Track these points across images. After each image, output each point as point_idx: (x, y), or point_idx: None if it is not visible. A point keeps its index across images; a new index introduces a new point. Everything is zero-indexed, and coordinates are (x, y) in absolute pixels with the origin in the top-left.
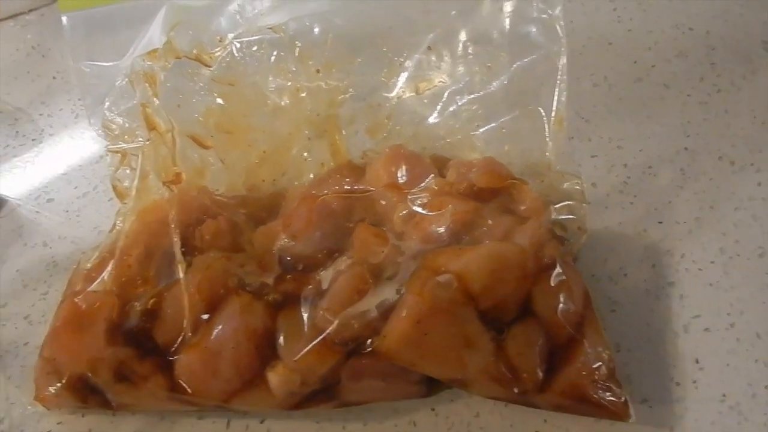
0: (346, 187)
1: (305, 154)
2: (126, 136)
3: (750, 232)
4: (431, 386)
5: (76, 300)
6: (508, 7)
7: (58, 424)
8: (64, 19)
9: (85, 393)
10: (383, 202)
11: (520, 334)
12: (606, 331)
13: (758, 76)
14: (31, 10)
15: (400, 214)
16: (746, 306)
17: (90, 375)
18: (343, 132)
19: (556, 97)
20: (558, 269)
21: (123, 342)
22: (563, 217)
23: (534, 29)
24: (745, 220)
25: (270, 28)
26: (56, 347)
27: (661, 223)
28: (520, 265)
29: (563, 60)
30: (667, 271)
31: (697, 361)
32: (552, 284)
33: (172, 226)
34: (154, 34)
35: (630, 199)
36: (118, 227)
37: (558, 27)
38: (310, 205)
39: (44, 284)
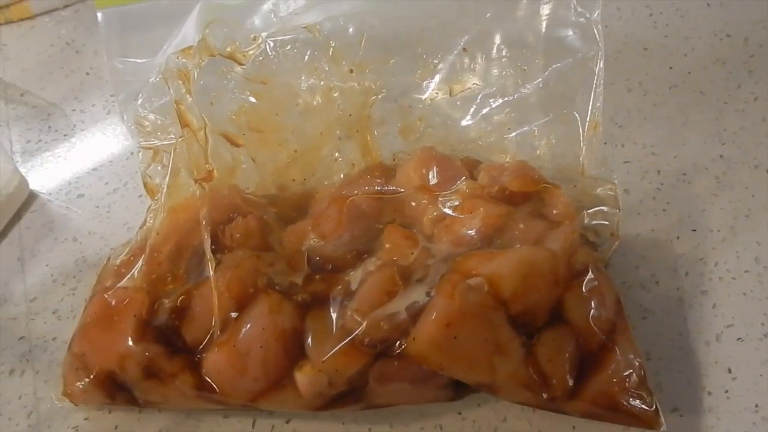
0: (376, 188)
1: (336, 154)
2: (158, 133)
3: None
4: (459, 390)
5: (106, 296)
6: (545, 10)
7: (85, 419)
8: (99, 15)
9: (113, 389)
10: (413, 204)
11: (550, 340)
12: (637, 338)
13: None
14: (66, 6)
15: (431, 216)
16: None
17: (118, 371)
18: (375, 133)
19: (591, 102)
20: (590, 275)
21: (152, 339)
22: (596, 222)
23: (571, 33)
24: None
25: (304, 28)
26: (85, 343)
27: (694, 230)
28: (551, 270)
29: (600, 64)
30: (700, 279)
31: (729, 371)
32: (584, 290)
33: (203, 223)
34: (189, 32)
35: (663, 206)
36: (148, 224)
37: (595, 31)
38: (339, 206)
39: (73, 279)
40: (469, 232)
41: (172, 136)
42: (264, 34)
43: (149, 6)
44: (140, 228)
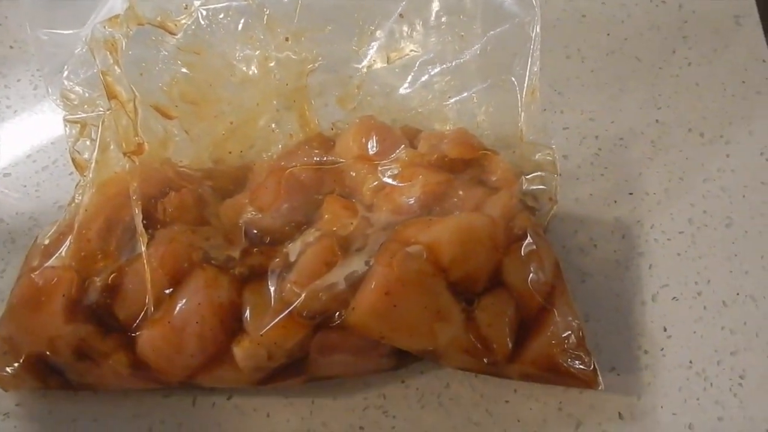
0: (315, 159)
1: (273, 125)
2: (86, 106)
3: (718, 202)
4: (401, 359)
5: (33, 276)
6: None
7: (16, 405)
8: None
9: (45, 373)
10: (353, 174)
11: (490, 304)
12: (576, 301)
13: (729, 50)
14: None
15: (371, 186)
16: (713, 275)
17: (49, 354)
18: (313, 103)
19: (528, 68)
20: (528, 240)
21: (83, 319)
22: (534, 188)
23: None
24: (714, 191)
25: None
26: (13, 326)
27: (631, 194)
28: (490, 235)
29: (537, 29)
30: (637, 241)
31: (665, 330)
32: (522, 255)
33: (134, 198)
34: (117, 1)
35: (601, 171)
36: (77, 201)
37: None
38: (278, 178)
39: (1, 262)
40: (409, 200)
41: (101, 109)
42: (197, 3)
43: None
44: (68, 205)
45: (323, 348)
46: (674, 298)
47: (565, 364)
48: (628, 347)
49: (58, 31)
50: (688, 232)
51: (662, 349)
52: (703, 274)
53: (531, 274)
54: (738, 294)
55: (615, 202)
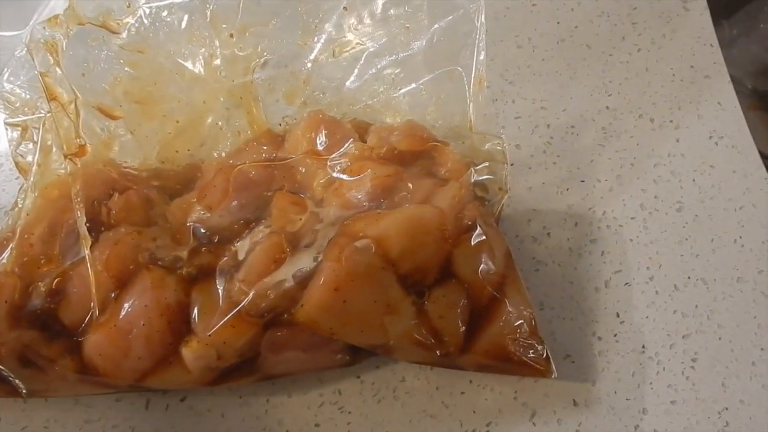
0: (264, 155)
1: (221, 123)
2: (26, 108)
3: (669, 187)
4: (355, 354)
5: None
6: None
7: None
8: None
9: None
10: (303, 170)
11: (441, 296)
12: (530, 290)
13: (678, 35)
14: None
15: (321, 181)
16: (664, 259)
17: None
18: (261, 99)
19: (475, 57)
20: (478, 230)
21: (27, 325)
22: (484, 178)
23: None
24: (665, 176)
25: None
26: None
27: (583, 182)
28: (439, 227)
29: (482, 19)
30: (589, 228)
31: (618, 315)
32: (472, 245)
33: (76, 201)
34: (58, 3)
35: (553, 159)
36: (19, 205)
37: None
38: (226, 175)
39: None
40: (358, 194)
41: (42, 111)
42: (141, 1)
43: None
44: (11, 210)
45: (274, 346)
46: (627, 283)
47: (518, 354)
48: (582, 334)
49: (0, 33)
50: (639, 218)
51: (615, 335)
52: (654, 259)
53: (481, 265)
54: (689, 278)
55: (567, 189)
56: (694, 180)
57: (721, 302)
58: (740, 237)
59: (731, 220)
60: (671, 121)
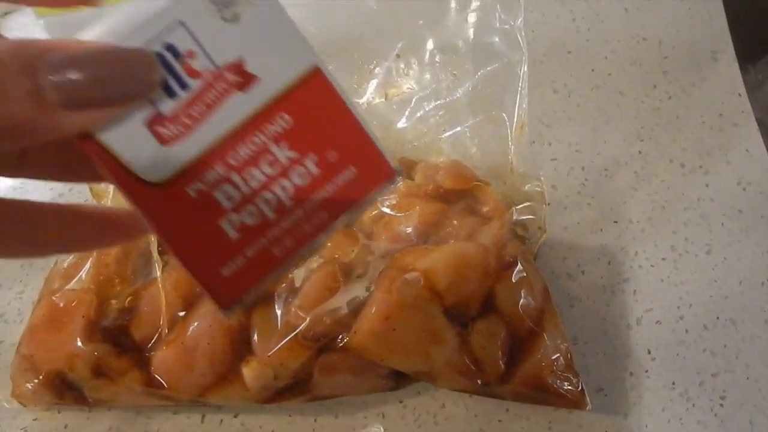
0: None
1: None
2: None
3: (698, 230)
4: (399, 380)
5: (54, 298)
6: (472, 18)
7: (34, 420)
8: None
9: (62, 389)
10: None
11: (483, 328)
12: (565, 325)
13: (707, 84)
14: None
15: (371, 215)
16: (694, 299)
17: (67, 371)
18: None
19: (517, 103)
20: (519, 267)
21: (101, 339)
22: (524, 217)
23: (497, 39)
24: (694, 219)
25: None
26: (34, 344)
27: (616, 222)
28: (482, 263)
29: (524, 68)
30: (622, 267)
31: (649, 352)
32: (513, 281)
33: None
34: None
35: (588, 200)
36: None
37: (519, 37)
38: None
39: (20, 283)
40: (406, 229)
41: None
42: None
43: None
44: None
45: (326, 369)
46: (658, 321)
47: (554, 385)
48: (615, 369)
49: None
50: (670, 259)
51: (647, 371)
52: (685, 299)
53: (521, 300)
54: (718, 318)
55: (601, 229)
56: (723, 224)
57: (750, 342)
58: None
59: (759, 263)
60: (701, 167)
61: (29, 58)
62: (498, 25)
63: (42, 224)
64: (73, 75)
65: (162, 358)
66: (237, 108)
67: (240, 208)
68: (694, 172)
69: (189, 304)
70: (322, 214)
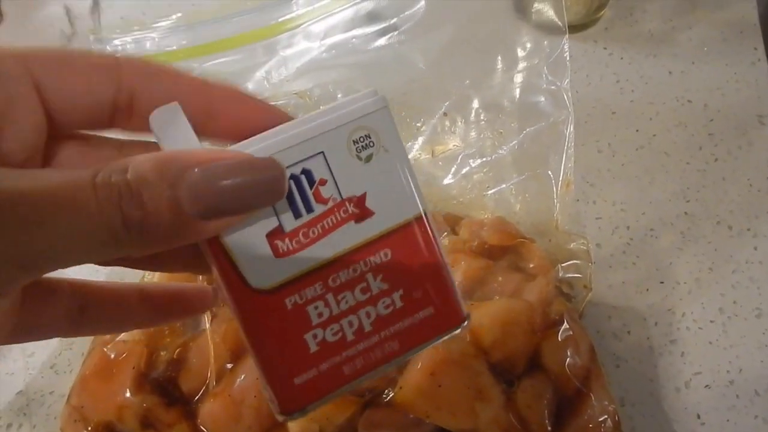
0: None
1: None
2: None
3: (747, 293)
4: None
5: (105, 349)
6: (518, 78)
7: None
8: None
9: None
10: None
11: (529, 386)
12: (611, 385)
13: (753, 147)
14: None
15: None
16: (745, 364)
17: (116, 422)
18: None
19: (563, 162)
20: (565, 325)
21: (150, 390)
22: (570, 275)
23: (543, 99)
24: (743, 282)
25: (295, 94)
26: (84, 395)
27: (662, 283)
28: (528, 320)
29: (570, 128)
30: (669, 329)
31: (698, 417)
32: (559, 339)
33: (200, 278)
34: None
35: (633, 260)
36: (147, 278)
37: (565, 97)
38: None
39: None
40: None
41: None
42: None
43: None
44: (139, 281)
45: (371, 424)
46: (707, 385)
47: None
48: None
49: None
50: (719, 321)
51: None
52: (734, 363)
53: (568, 358)
54: None
55: (647, 290)
56: None
57: None
58: None
59: None
60: (749, 229)
61: (172, 175)
62: (545, 85)
63: (127, 305)
64: (211, 190)
65: (209, 411)
66: (349, 236)
67: (325, 325)
68: (741, 235)
69: (236, 356)
70: (395, 345)
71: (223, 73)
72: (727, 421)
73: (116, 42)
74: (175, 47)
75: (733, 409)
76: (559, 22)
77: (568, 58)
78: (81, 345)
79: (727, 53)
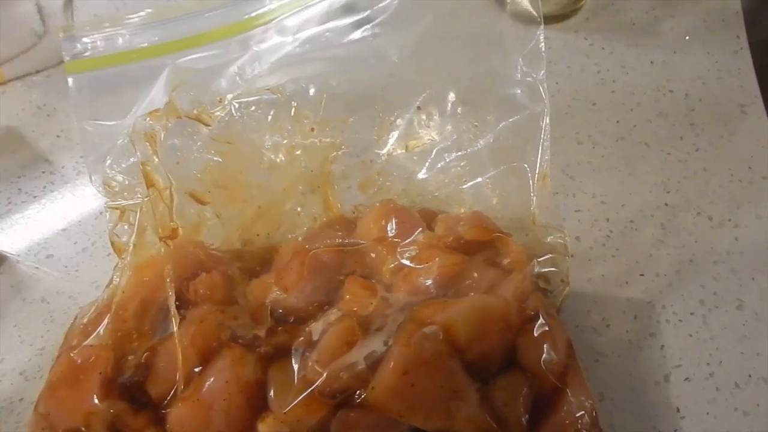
0: (337, 240)
1: (299, 208)
2: (125, 193)
3: (728, 284)
4: None
5: (72, 354)
6: (494, 70)
7: None
8: (70, 80)
9: None
10: (373, 255)
11: (505, 384)
12: (590, 380)
13: (735, 137)
14: (38, 71)
15: (389, 267)
16: (725, 356)
17: (84, 429)
18: (336, 187)
19: (539, 155)
20: (541, 320)
21: (117, 396)
22: (546, 269)
23: (519, 91)
24: (724, 274)
25: (268, 89)
26: (51, 402)
27: (642, 275)
28: (504, 317)
29: (546, 120)
30: (649, 322)
31: (678, 410)
32: (535, 335)
33: (168, 280)
34: (157, 95)
35: (612, 253)
36: (115, 282)
37: (541, 89)
38: (302, 259)
39: (41, 339)
40: (426, 281)
41: (139, 196)
42: (230, 96)
43: (119, 70)
44: (107, 286)
45: (343, 426)
46: (687, 378)
47: None
48: (643, 427)
49: (103, 123)
50: (699, 314)
51: (676, 430)
52: (715, 356)
53: (544, 355)
54: (750, 376)
55: (626, 283)
56: (753, 278)
57: None
58: None
59: None
60: (730, 220)
61: None
62: (519, 77)
63: None
64: None
65: (177, 416)
66: None
67: None
68: (722, 226)
69: (205, 359)
70: None
71: (196, 70)
72: (707, 414)
73: (86, 40)
74: (146, 44)
75: (714, 402)
76: (535, 13)
77: (543, 50)
78: (51, 351)
79: (710, 42)
